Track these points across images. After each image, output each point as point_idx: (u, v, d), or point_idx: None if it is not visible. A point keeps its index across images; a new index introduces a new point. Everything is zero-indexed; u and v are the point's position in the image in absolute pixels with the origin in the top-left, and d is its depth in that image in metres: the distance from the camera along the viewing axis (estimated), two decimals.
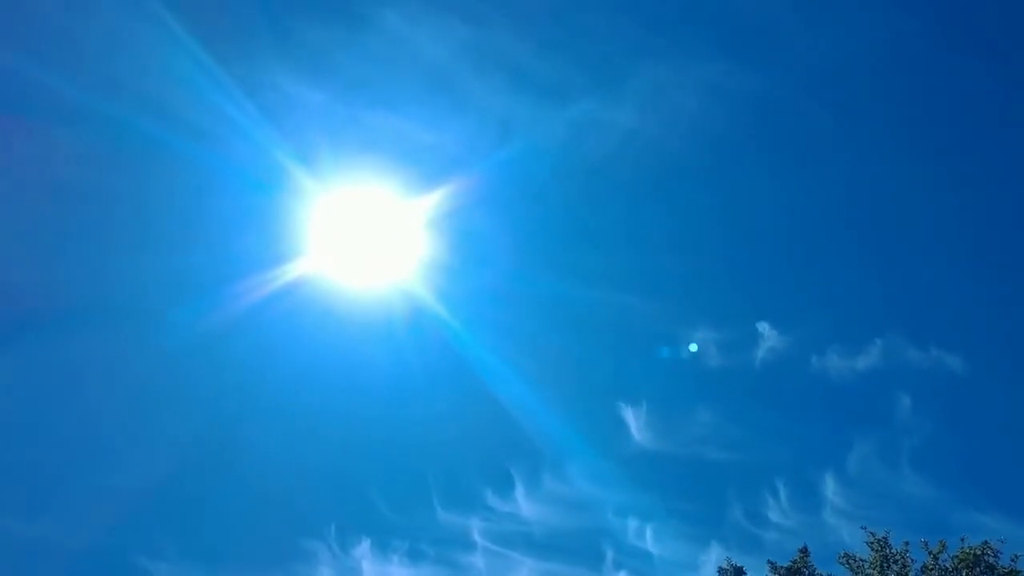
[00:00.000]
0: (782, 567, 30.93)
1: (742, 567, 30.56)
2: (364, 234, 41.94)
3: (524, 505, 42.99)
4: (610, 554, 40.87)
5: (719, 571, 30.69)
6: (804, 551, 31.16)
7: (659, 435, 43.04)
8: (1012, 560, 28.32)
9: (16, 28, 34.76)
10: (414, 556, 42.51)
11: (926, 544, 29.10)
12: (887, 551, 29.26)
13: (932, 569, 28.69)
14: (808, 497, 37.88)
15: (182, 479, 40.59)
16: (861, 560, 29.60)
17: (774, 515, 32.69)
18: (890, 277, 46.26)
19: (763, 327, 42.79)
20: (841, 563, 30.05)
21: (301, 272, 40.20)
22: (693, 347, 42.96)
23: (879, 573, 28.96)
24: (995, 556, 28.42)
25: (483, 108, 41.33)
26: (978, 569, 28.40)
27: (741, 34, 42.24)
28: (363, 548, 42.49)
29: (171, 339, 37.55)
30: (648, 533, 37.67)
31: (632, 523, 41.09)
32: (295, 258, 39.98)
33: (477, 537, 42.42)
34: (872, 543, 29.51)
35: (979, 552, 28.34)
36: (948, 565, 28.65)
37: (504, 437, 44.70)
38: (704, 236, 45.44)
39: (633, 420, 42.93)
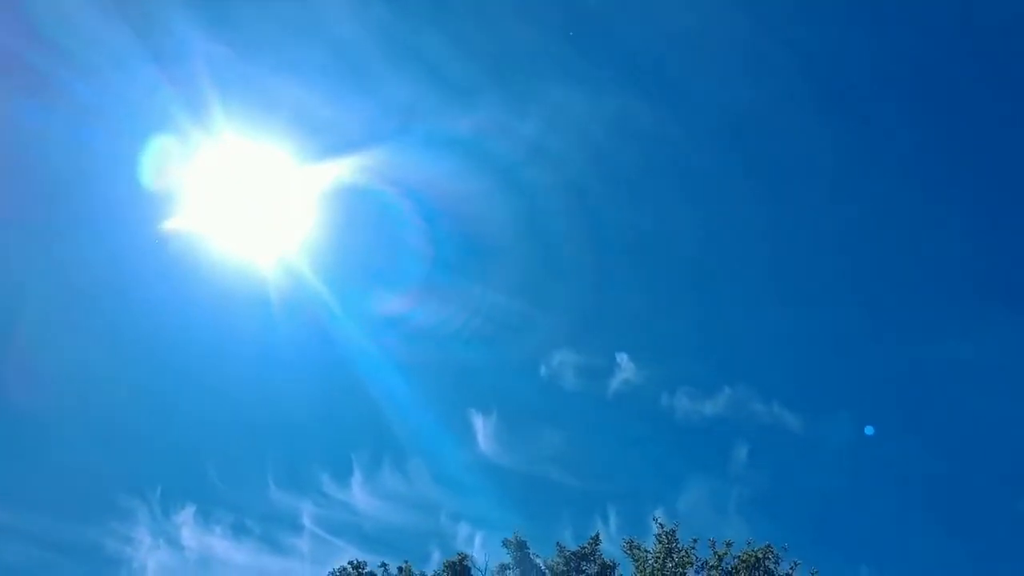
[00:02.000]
0: (570, 550, 30.12)
1: (525, 540, 29.62)
2: (250, 198, 41.75)
3: (360, 496, 41.91)
4: (436, 555, 39.62)
5: (504, 542, 29.70)
6: (595, 539, 30.62)
7: (505, 448, 42.40)
8: (791, 567, 27.76)
9: None
10: (238, 530, 41.09)
11: (713, 543, 28.44)
12: (673, 544, 28.43)
13: (714, 568, 27.88)
14: (635, 529, 36.96)
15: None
16: (646, 551, 28.76)
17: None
18: (748, 331, 46.83)
19: (622, 358, 42.99)
20: (625, 551, 29.25)
21: (176, 226, 39.86)
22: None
23: (659, 564, 28.04)
24: (776, 561, 27.80)
25: (388, 94, 42.06)
26: (757, 572, 27.67)
27: (651, 73, 43.81)
28: (186, 514, 41.02)
29: (33, 290, 37.08)
30: (477, 540, 36.41)
31: (463, 529, 39.90)
32: (172, 210, 39.76)
33: (306, 521, 41.16)
34: (660, 535, 28.73)
35: (761, 555, 27.75)
36: (730, 566, 27.90)
37: (352, 426, 44.15)
38: (582, 260, 45.88)
39: (482, 429, 42.35)
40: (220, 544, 40.94)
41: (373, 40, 41.77)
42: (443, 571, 29.58)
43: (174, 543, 40.61)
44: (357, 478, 41.75)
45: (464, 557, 29.59)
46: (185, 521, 40.86)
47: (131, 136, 38.71)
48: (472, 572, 29.72)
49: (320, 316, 42.62)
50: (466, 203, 44.04)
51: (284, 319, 42.62)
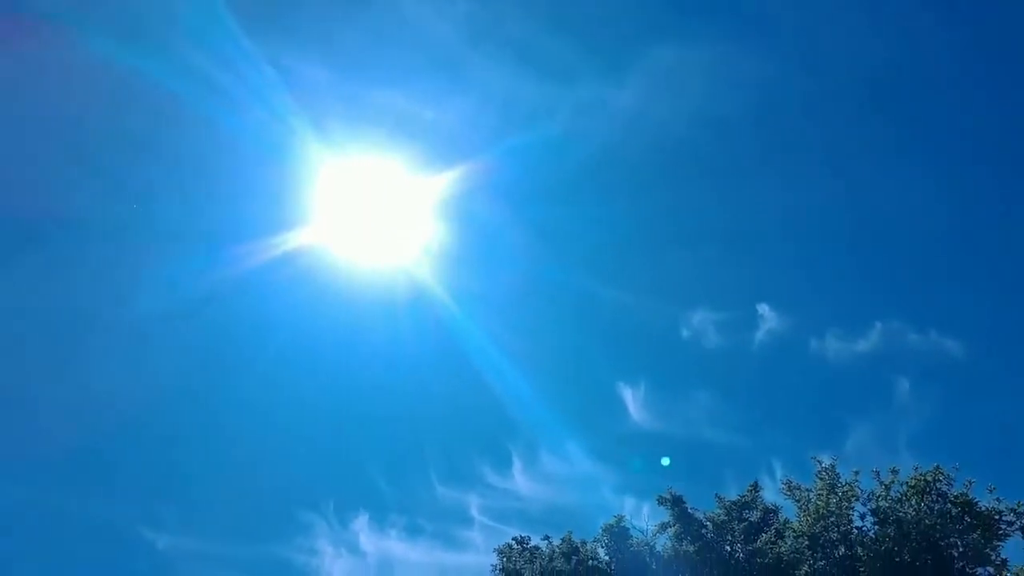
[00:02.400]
0: (729, 500, 29.46)
1: (681, 496, 29.17)
2: (371, 210, 43.30)
3: (523, 482, 42.61)
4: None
5: (659, 499, 29.33)
6: (755, 486, 29.86)
7: (657, 415, 42.07)
8: (966, 486, 26.04)
9: None
10: (412, 531, 42.73)
11: (877, 473, 27.17)
12: (835, 480, 27.34)
13: (881, 498, 26.61)
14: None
15: (179, 447, 42.16)
16: (807, 490, 27.77)
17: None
18: (890, 262, 44.60)
19: (763, 309, 41.81)
20: (784, 493, 28.43)
21: (305, 241, 41.66)
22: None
23: (823, 501, 27.02)
24: (949, 482, 26.19)
25: (487, 87, 42.70)
26: (929, 497, 26.22)
27: (745, 19, 42.61)
28: (361, 522, 43.10)
29: (171, 296, 39.60)
30: (644, 510, 36.30)
31: (628, 501, 39.72)
32: (300, 226, 41.64)
33: (475, 513, 42.21)
34: (819, 472, 27.70)
35: (931, 478, 26.26)
36: (898, 494, 26.54)
37: (504, 417, 44.68)
38: (707, 220, 44.96)
39: (631, 400, 42.22)
40: (397, 546, 42.69)
41: (464, 38, 42.50)
42: (602, 535, 29.52)
43: (354, 550, 42.65)
44: (517, 466, 42.50)
45: (621, 519, 29.50)
46: (361, 528, 42.86)
47: (266, 157, 41.01)
48: (631, 533, 29.51)
49: (445, 320, 43.45)
50: (576, 189, 44.11)
51: (410, 325, 43.86)
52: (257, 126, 40.12)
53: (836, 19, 42.63)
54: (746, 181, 45.24)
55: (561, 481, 42.00)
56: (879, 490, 26.88)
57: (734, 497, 29.59)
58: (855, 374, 42.06)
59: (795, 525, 27.68)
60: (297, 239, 41.46)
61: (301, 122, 40.06)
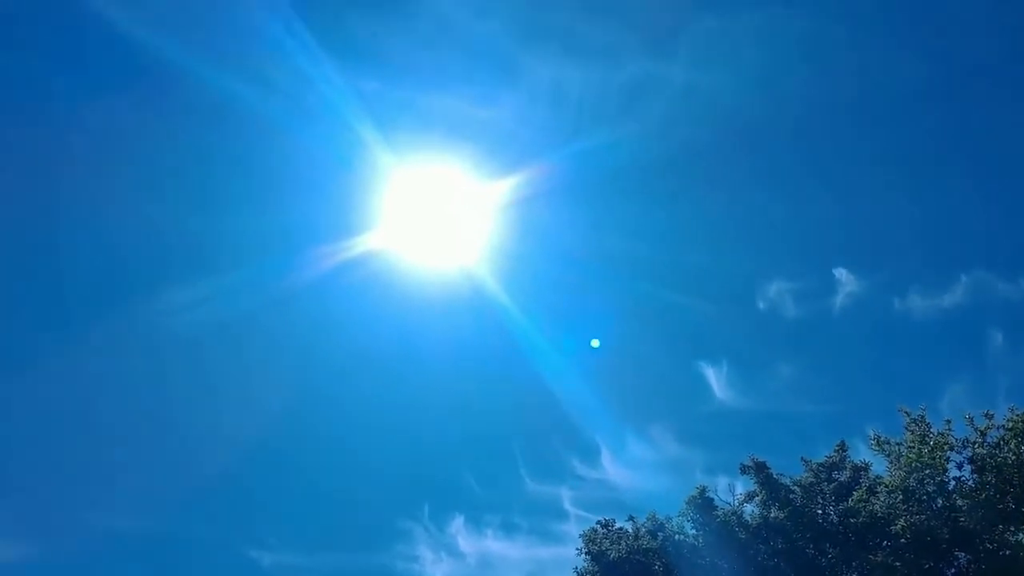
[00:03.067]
0: (815, 462, 28.42)
1: (764, 461, 28.21)
2: (435, 213, 43.73)
3: (612, 471, 42.12)
4: None
5: (741, 468, 28.45)
6: (842, 445, 28.75)
7: (742, 392, 41.02)
8: None
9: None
10: (507, 529, 42.72)
11: (971, 420, 25.65)
12: (925, 431, 26.00)
13: (977, 445, 25.15)
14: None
15: (273, 463, 42.94)
16: (897, 443, 26.51)
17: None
18: (967, 211, 42.24)
19: (840, 273, 40.43)
20: (873, 449, 27.19)
21: (372, 245, 42.34)
22: None
23: (915, 453, 25.71)
24: None
25: (536, 80, 42.62)
26: None
27: None
28: (457, 524, 43.28)
29: (247, 300, 40.54)
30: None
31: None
32: (367, 231, 42.30)
33: (568, 506, 41.90)
34: (908, 424, 26.38)
35: None
36: (996, 439, 25.05)
37: (587, 409, 44.02)
38: (772, 187, 43.68)
39: (715, 380, 41.30)
40: (494, 545, 42.71)
41: (505, 34, 42.60)
42: (686, 509, 28.78)
43: (453, 552, 42.87)
44: (606, 455, 41.96)
45: (704, 489, 28.73)
46: (458, 530, 43.04)
47: (334, 165, 41.94)
48: (716, 504, 28.67)
49: (508, 321, 43.25)
50: (638, 174, 43.54)
51: (478, 327, 43.96)
52: (328, 136, 40.99)
53: None
54: (807, 142, 43.88)
55: (651, 466, 41.25)
56: (975, 436, 25.48)
57: (821, 459, 28.52)
58: (944, 330, 40.26)
59: (887, 480, 26.44)
60: (365, 243, 42.12)
61: (368, 131, 40.64)
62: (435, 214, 43.75)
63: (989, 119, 42.77)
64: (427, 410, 45.08)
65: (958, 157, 43.05)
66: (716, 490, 29.43)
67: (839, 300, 40.91)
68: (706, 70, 42.23)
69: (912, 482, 25.70)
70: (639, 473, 41.28)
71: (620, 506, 41.15)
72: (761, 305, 42.25)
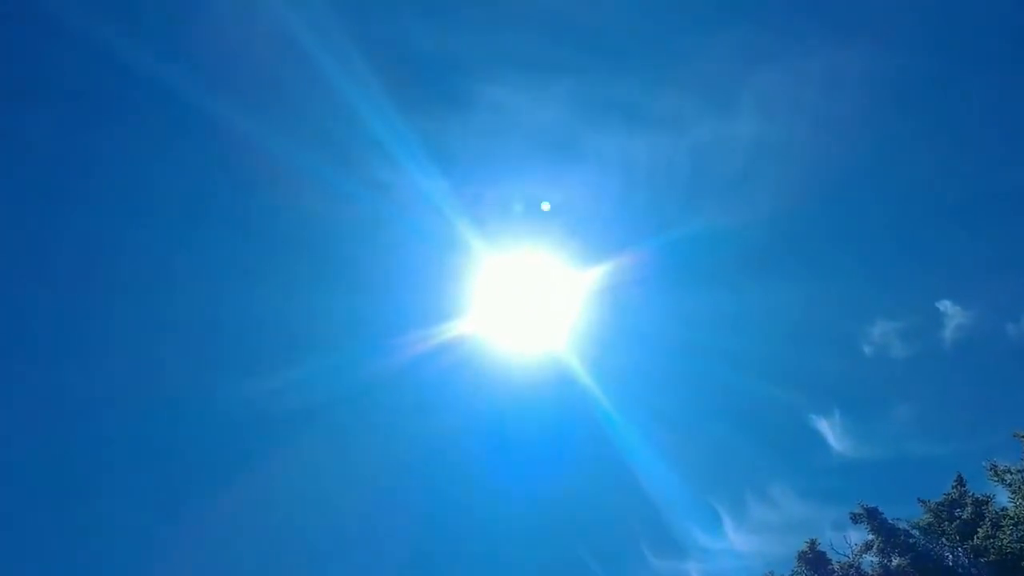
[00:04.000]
0: (934, 502, 26.44)
1: (876, 507, 26.47)
2: (524, 300, 44.25)
3: (737, 539, 39.92)
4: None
5: (851, 516, 26.79)
6: (959, 480, 26.70)
7: (858, 440, 38.61)
8: None
9: (238, 83, 40.76)
10: None
11: None
12: None
13: None
14: None
15: (376, 549, 42.81)
16: (1017, 471, 24.46)
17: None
18: None
19: (945, 306, 38.27)
20: (992, 480, 25.16)
21: (463, 331, 42.92)
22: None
23: None
24: None
25: (604, 156, 42.85)
26: None
27: (850, 17, 40.71)
28: None
29: (339, 384, 41.52)
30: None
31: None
32: (459, 317, 42.90)
33: None
34: None
35: None
36: None
37: (703, 475, 42.60)
38: (865, 227, 42.02)
39: (829, 431, 39.16)
40: None
41: (569, 116, 43.31)
42: (797, 566, 27.12)
43: None
44: (728, 523, 39.98)
45: (815, 543, 27.06)
46: None
47: (429, 254, 43.14)
48: (829, 557, 26.90)
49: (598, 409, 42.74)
50: (714, 240, 42.84)
51: (564, 414, 43.36)
52: (420, 226, 42.45)
53: None
54: (887, 180, 42.34)
55: (776, 528, 39.01)
56: None
57: (939, 498, 26.50)
58: None
59: (1012, 511, 24.25)
60: (456, 328, 42.71)
61: (457, 221, 41.91)
62: (523, 301, 44.31)
63: None
64: (528, 496, 44.26)
65: None
66: (831, 544, 27.66)
67: (948, 333, 38.61)
68: (771, 122, 41.75)
69: None
70: (764, 536, 39.18)
71: (748, 573, 38.79)
72: (867, 349, 40.25)
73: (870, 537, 26.80)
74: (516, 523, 44.37)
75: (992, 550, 24.03)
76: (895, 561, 25.70)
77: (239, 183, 41.49)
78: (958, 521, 25.71)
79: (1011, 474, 24.71)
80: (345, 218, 42.63)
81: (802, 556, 27.13)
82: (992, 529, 24.42)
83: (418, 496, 44.16)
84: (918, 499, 26.83)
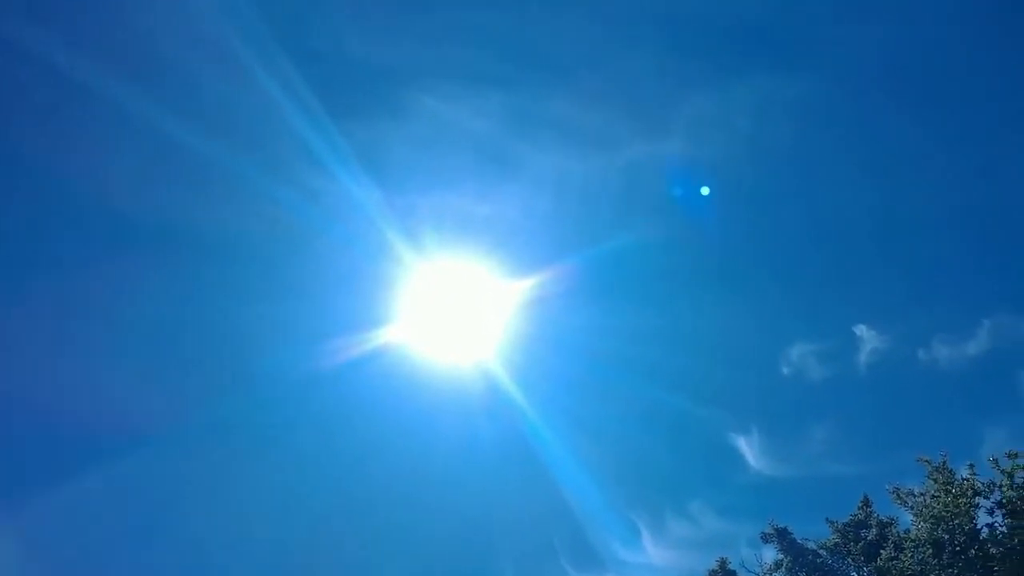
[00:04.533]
0: (840, 522, 27.05)
1: (785, 527, 26.99)
2: (451, 309, 44.13)
3: (655, 552, 40.31)
4: None
5: (762, 536, 27.27)
6: (865, 500, 27.44)
7: (776, 460, 39.46)
8: None
9: (163, 87, 39.99)
10: None
11: (996, 462, 24.33)
12: (949, 478, 24.67)
13: (1006, 488, 23.76)
14: None
15: (288, 563, 42.10)
16: (920, 494, 25.16)
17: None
18: (981, 255, 41.38)
19: (860, 330, 39.50)
20: (895, 502, 25.87)
21: (390, 339, 42.57)
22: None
23: (940, 503, 24.34)
24: None
25: (538, 171, 43.12)
26: None
27: (779, 47, 41.95)
28: None
29: (262, 389, 40.85)
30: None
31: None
32: (386, 325, 42.55)
33: None
34: (931, 473, 25.10)
35: None
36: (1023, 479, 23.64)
37: (624, 489, 43.00)
38: (785, 251, 43.16)
39: (747, 449, 39.95)
40: None
41: (504, 129, 43.51)
42: None
43: None
44: (647, 537, 40.36)
45: (725, 561, 27.48)
46: None
47: (358, 262, 42.68)
48: (739, 574, 27.35)
49: (523, 412, 42.67)
50: (640, 258, 43.43)
51: (491, 423, 43.27)
52: (345, 233, 42.04)
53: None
54: (814, 203, 43.69)
55: (694, 544, 39.56)
56: (1002, 480, 24.06)
57: (846, 519, 27.13)
58: (973, 378, 38.75)
59: (913, 534, 24.94)
60: (383, 336, 42.32)
61: (385, 229, 41.58)
62: (451, 310, 44.18)
63: (997, 166, 42.21)
64: (450, 505, 44.09)
65: (964, 203, 42.35)
66: (742, 562, 28.10)
67: (863, 357, 39.82)
68: (702, 145, 42.59)
69: (940, 533, 24.23)
70: (683, 552, 39.70)
71: None
72: (785, 370, 41.25)
73: (780, 556, 27.34)
74: (436, 534, 44.21)
75: (894, 571, 24.66)
76: None
77: (160, 187, 40.63)
78: (863, 542, 26.37)
79: (913, 497, 25.46)
80: (271, 224, 41.95)
81: (713, 574, 27.51)
82: (894, 551, 25.10)
83: (335, 505, 43.67)
84: (826, 519, 27.48)
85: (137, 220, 41.01)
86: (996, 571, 23.00)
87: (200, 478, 40.67)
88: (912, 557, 24.49)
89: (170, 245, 41.30)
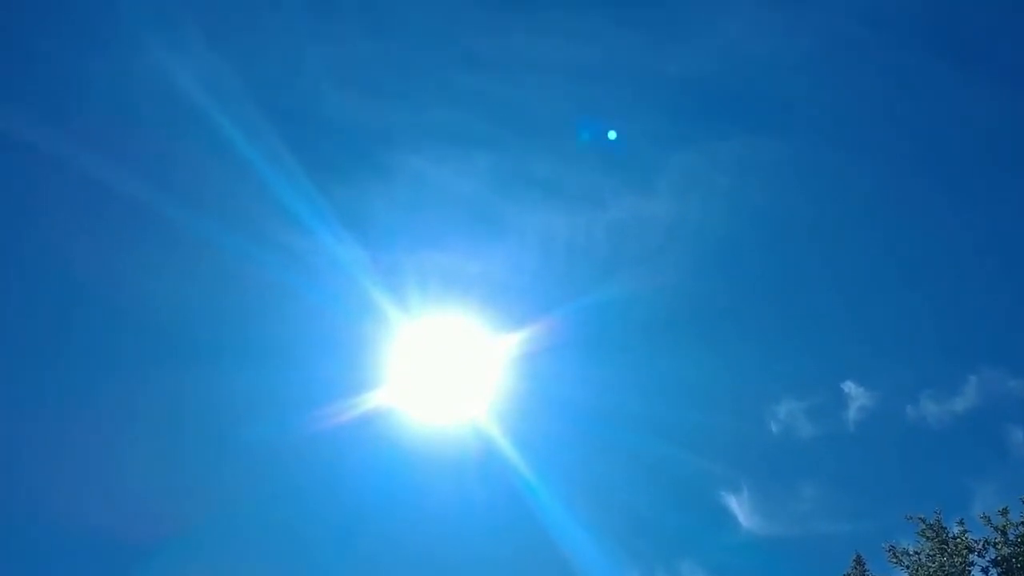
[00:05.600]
0: None
1: None
2: (440, 369, 43.91)
3: None
4: None
5: None
6: (858, 559, 27.12)
7: (766, 518, 39.17)
8: None
9: (132, 151, 39.80)
10: None
11: (988, 519, 24.35)
12: (943, 536, 24.61)
13: (1000, 544, 23.74)
14: None
15: None
16: (915, 553, 25.04)
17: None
18: (967, 312, 42.03)
19: (848, 387, 39.64)
20: (891, 562, 25.65)
21: (380, 401, 42.13)
22: None
23: (935, 562, 24.25)
24: None
25: (523, 230, 43.58)
26: None
27: (758, 107, 42.89)
28: None
29: (250, 456, 40.18)
30: None
31: None
32: (375, 387, 42.14)
33: None
34: (924, 531, 25.04)
35: None
36: (1016, 536, 23.63)
37: (614, 549, 42.36)
38: (770, 311, 43.46)
39: (738, 508, 39.65)
40: None
41: (488, 189, 44.02)
42: None
43: None
44: None
45: None
46: None
47: (337, 325, 42.47)
48: None
49: (515, 479, 42.29)
50: (632, 314, 43.66)
51: (482, 484, 42.79)
52: (329, 296, 41.96)
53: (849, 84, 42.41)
54: (799, 262, 44.21)
55: None
56: (996, 537, 24.04)
57: None
58: (962, 434, 38.96)
59: None
60: (372, 400, 41.89)
61: (370, 291, 41.58)
62: (440, 369, 44.00)
63: (976, 219, 43.09)
64: (428, 567, 43.31)
65: (947, 259, 43.11)
66: None
67: (851, 414, 39.87)
68: (687, 202, 43.18)
69: None
70: None
71: None
72: (774, 428, 41.22)
73: None
74: None
75: None
76: None
77: (135, 258, 40.54)
78: None
79: (908, 556, 25.28)
80: (253, 288, 41.98)
81: None
82: None
83: (332, 573, 42.89)
84: None
85: (109, 294, 40.69)
86: None
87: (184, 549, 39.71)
88: None
89: (146, 319, 41.00)
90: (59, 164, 38.60)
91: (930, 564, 24.54)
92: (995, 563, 23.84)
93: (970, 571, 24.11)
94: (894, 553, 25.57)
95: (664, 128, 43.86)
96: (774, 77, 43.24)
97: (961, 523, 24.69)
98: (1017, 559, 23.52)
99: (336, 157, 42.41)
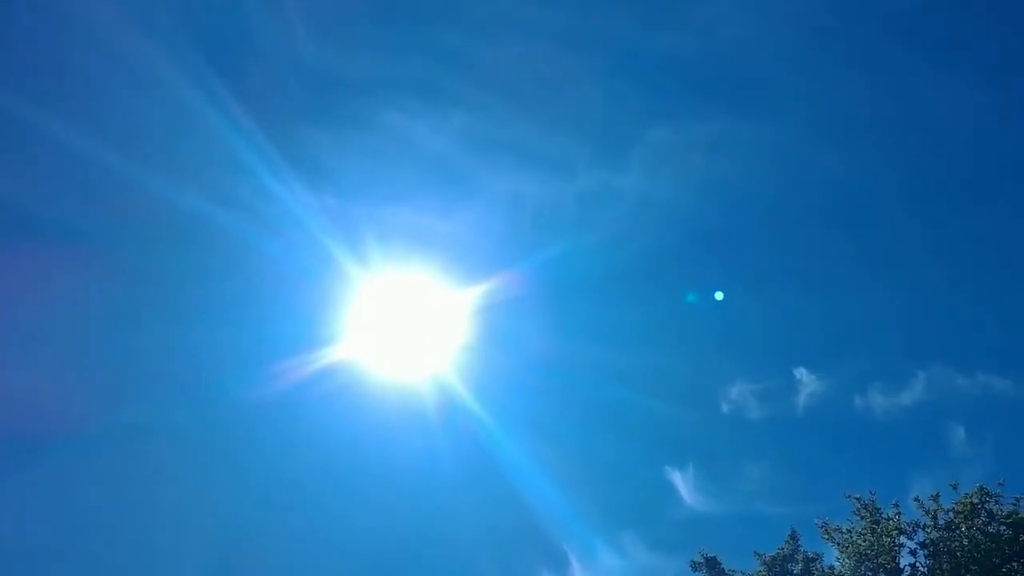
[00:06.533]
0: (768, 555, 27.34)
1: (715, 556, 27.24)
2: (402, 323, 43.86)
3: None
4: None
5: (691, 564, 27.47)
6: (793, 535, 27.64)
7: (710, 496, 39.60)
8: (1015, 502, 23.75)
9: (91, 115, 38.77)
10: None
11: (921, 503, 24.93)
12: (876, 516, 25.18)
13: (929, 528, 24.34)
14: None
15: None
16: (847, 531, 25.60)
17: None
18: (923, 309, 42.55)
19: (800, 373, 40.04)
20: (823, 538, 26.29)
21: (340, 356, 42.05)
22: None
23: (866, 541, 24.84)
24: (995, 501, 23.87)
25: (493, 192, 43.21)
26: (979, 520, 23.81)
27: (737, 90, 42.79)
28: None
29: (210, 413, 40.04)
30: None
31: None
32: (336, 342, 42.05)
33: None
34: (859, 510, 25.60)
35: (976, 500, 23.97)
36: (946, 522, 24.23)
37: (555, 520, 42.73)
38: (730, 292, 43.62)
39: (682, 484, 40.04)
40: None
41: (461, 148, 43.57)
42: None
43: None
44: (576, 566, 40.19)
45: None
46: None
47: (298, 279, 42.00)
48: None
49: (483, 425, 42.29)
50: (595, 275, 43.58)
51: (445, 435, 42.84)
52: (290, 250, 41.36)
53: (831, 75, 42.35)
54: (762, 248, 44.40)
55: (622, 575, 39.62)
56: (927, 520, 24.65)
57: (773, 552, 27.44)
58: (906, 427, 39.66)
59: (838, 571, 25.39)
60: (333, 354, 41.70)
61: (331, 244, 41.08)
62: (402, 323, 43.93)
63: (940, 216, 43.50)
64: (393, 520, 43.61)
65: (909, 254, 43.53)
66: None
67: (801, 400, 40.31)
68: (659, 179, 43.06)
69: (864, 570, 24.72)
70: None
71: None
72: (725, 408, 41.62)
73: None
74: (399, 550, 43.72)
75: None
76: None
77: (81, 208, 39.62)
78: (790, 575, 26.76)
79: (840, 533, 25.87)
80: (208, 242, 41.14)
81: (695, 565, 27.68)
82: None
83: (296, 528, 42.97)
84: (754, 552, 27.74)
85: (59, 242, 39.83)
86: None
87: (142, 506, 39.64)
88: None
89: (97, 270, 40.19)
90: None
91: (860, 542, 25.14)
92: (923, 545, 24.45)
93: (899, 551, 24.74)
94: (827, 530, 26.16)
95: (642, 103, 43.69)
96: (756, 61, 43.03)
97: (896, 506, 25.31)
98: (944, 543, 24.14)
99: (306, 107, 41.46)
